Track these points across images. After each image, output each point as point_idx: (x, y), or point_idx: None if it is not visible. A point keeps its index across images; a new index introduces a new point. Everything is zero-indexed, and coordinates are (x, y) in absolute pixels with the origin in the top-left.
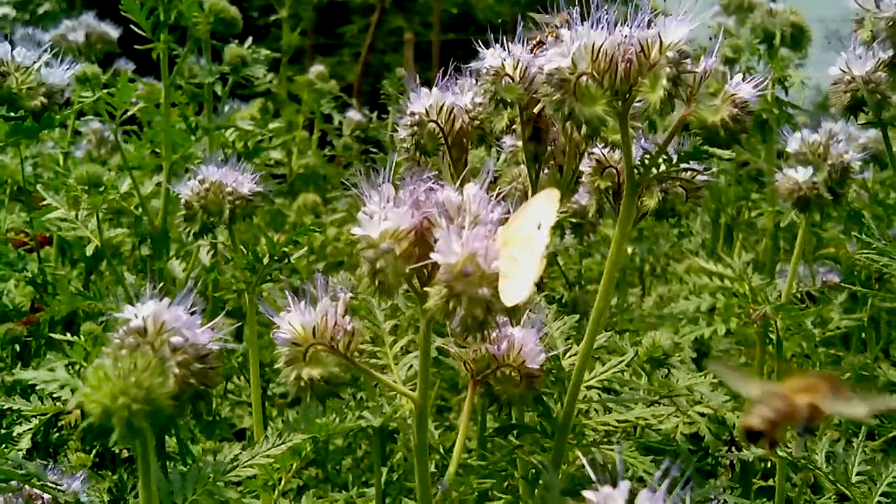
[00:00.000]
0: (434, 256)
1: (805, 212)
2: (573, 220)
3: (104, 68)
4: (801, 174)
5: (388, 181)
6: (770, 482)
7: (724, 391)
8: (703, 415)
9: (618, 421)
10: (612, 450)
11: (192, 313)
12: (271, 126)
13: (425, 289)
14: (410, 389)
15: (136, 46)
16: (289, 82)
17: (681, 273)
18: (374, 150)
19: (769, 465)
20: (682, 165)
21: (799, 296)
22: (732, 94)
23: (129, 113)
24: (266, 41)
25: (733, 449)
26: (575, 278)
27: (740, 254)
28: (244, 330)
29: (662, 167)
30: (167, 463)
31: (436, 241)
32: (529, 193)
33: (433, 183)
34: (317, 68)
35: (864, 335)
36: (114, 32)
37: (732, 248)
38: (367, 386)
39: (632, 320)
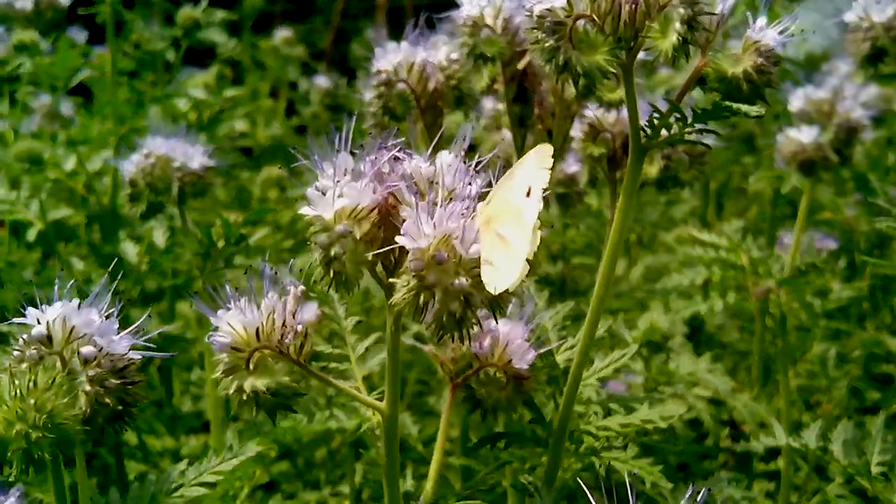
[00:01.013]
0: (400, 240)
1: (810, 175)
2: (559, 191)
3: (55, 37)
4: (806, 134)
5: (346, 149)
6: (772, 465)
7: (722, 371)
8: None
9: (621, 425)
10: (616, 458)
11: (109, 316)
12: (229, 94)
13: (391, 280)
14: (375, 394)
15: (78, 11)
16: (254, 49)
17: (670, 242)
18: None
19: None
20: (698, 126)
21: (803, 267)
22: (756, 42)
23: (73, 83)
24: (235, 8)
25: (733, 434)
26: (559, 251)
27: (730, 221)
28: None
29: (675, 128)
30: (124, 462)
31: (403, 221)
32: (514, 161)
33: (399, 151)
34: (282, 33)
35: (864, 305)
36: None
37: (722, 215)
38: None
39: (620, 295)
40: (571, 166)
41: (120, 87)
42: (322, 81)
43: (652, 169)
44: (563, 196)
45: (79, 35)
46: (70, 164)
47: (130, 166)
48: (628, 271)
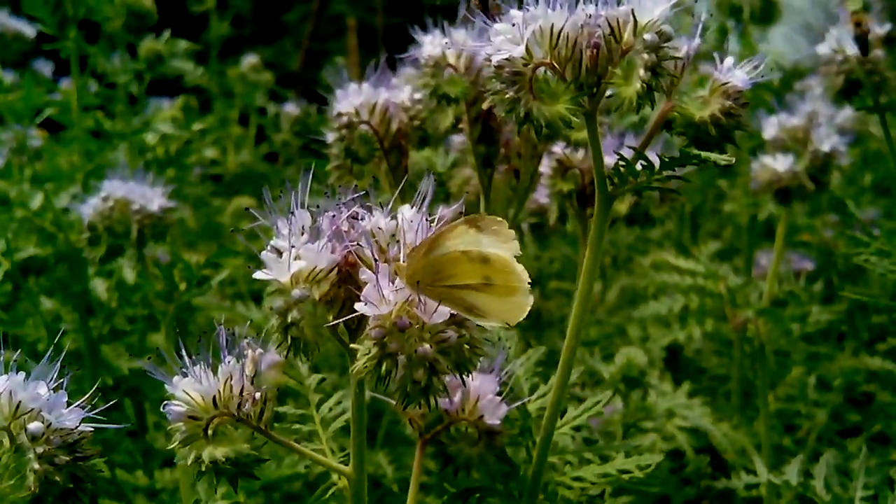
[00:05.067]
0: (361, 308)
1: (786, 203)
2: (533, 221)
3: (21, 70)
4: (781, 163)
5: (302, 206)
6: (754, 493)
7: (702, 401)
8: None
9: (596, 475)
10: None
11: (58, 388)
12: (197, 126)
13: (353, 346)
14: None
15: (42, 46)
16: (222, 76)
17: (646, 267)
18: (317, 144)
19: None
20: (666, 173)
21: (781, 296)
22: (724, 84)
23: (39, 119)
24: (202, 35)
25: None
26: (535, 276)
27: (707, 243)
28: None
29: (641, 177)
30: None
31: (364, 283)
32: (481, 201)
33: (359, 205)
34: (250, 59)
35: (843, 327)
36: (30, 31)
37: (698, 237)
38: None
39: (599, 322)
40: (544, 197)
41: (86, 121)
42: (291, 108)
43: (621, 206)
44: (537, 226)
45: (44, 67)
46: (37, 202)
47: (89, 210)
48: (604, 294)
